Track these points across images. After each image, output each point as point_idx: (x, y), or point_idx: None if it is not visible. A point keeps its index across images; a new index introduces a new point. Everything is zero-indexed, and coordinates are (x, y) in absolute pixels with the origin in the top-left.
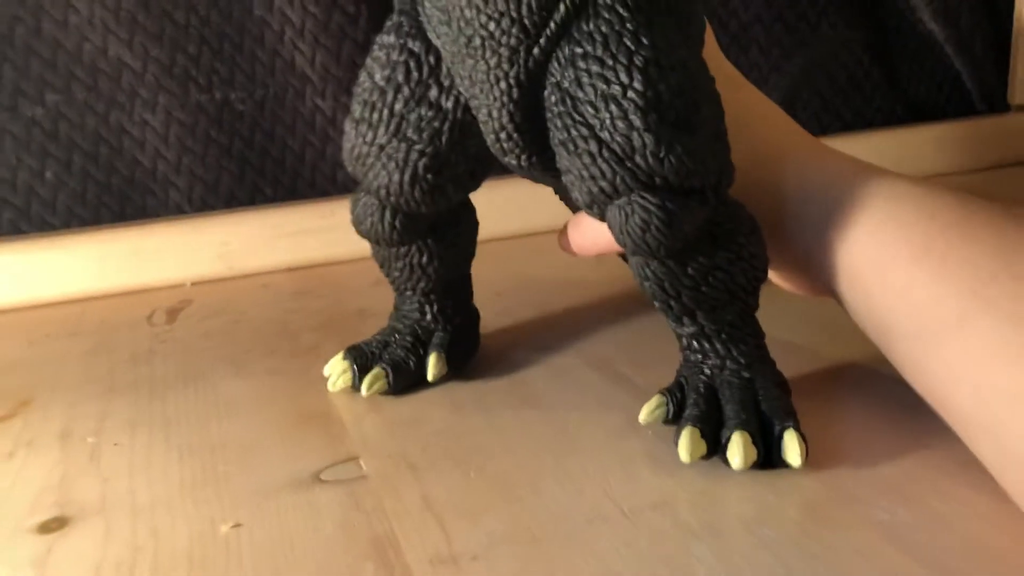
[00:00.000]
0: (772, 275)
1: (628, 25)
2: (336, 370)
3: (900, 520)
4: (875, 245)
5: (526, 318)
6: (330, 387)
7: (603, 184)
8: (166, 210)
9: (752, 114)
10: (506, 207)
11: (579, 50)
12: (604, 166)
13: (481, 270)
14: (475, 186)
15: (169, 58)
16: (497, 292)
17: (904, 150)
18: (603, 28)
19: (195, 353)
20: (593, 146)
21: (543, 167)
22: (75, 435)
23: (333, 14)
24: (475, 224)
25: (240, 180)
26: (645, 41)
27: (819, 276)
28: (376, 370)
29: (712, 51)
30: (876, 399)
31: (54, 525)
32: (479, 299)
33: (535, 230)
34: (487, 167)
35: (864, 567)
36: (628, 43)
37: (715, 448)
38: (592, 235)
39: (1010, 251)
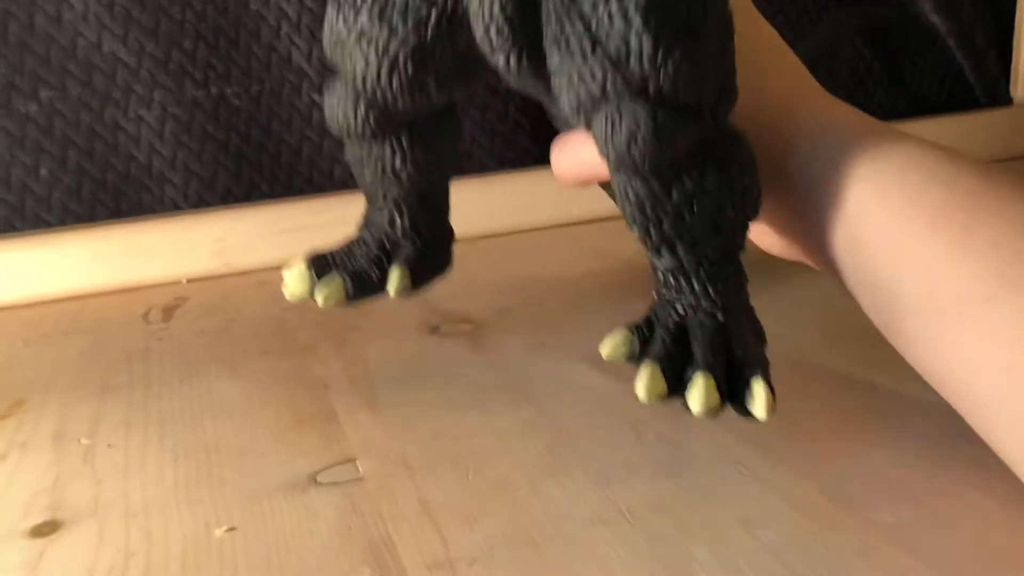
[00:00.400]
0: (763, 235)
1: None
2: (293, 277)
3: (904, 522)
4: (885, 210)
5: (525, 316)
6: (286, 294)
7: (593, 87)
8: (162, 206)
9: (767, 51)
10: (505, 203)
11: None
12: (596, 67)
13: (480, 267)
14: (460, 89)
15: (164, 53)
16: (497, 290)
17: None
18: None
19: (191, 352)
20: (587, 44)
21: (534, 70)
22: (69, 436)
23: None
24: (459, 133)
25: (236, 176)
26: None
27: (817, 238)
28: (335, 278)
29: None
30: (875, 399)
31: (46, 529)
32: (477, 295)
33: (536, 226)
34: (475, 69)
35: (867, 568)
36: None
37: (677, 388)
38: (576, 157)
39: None
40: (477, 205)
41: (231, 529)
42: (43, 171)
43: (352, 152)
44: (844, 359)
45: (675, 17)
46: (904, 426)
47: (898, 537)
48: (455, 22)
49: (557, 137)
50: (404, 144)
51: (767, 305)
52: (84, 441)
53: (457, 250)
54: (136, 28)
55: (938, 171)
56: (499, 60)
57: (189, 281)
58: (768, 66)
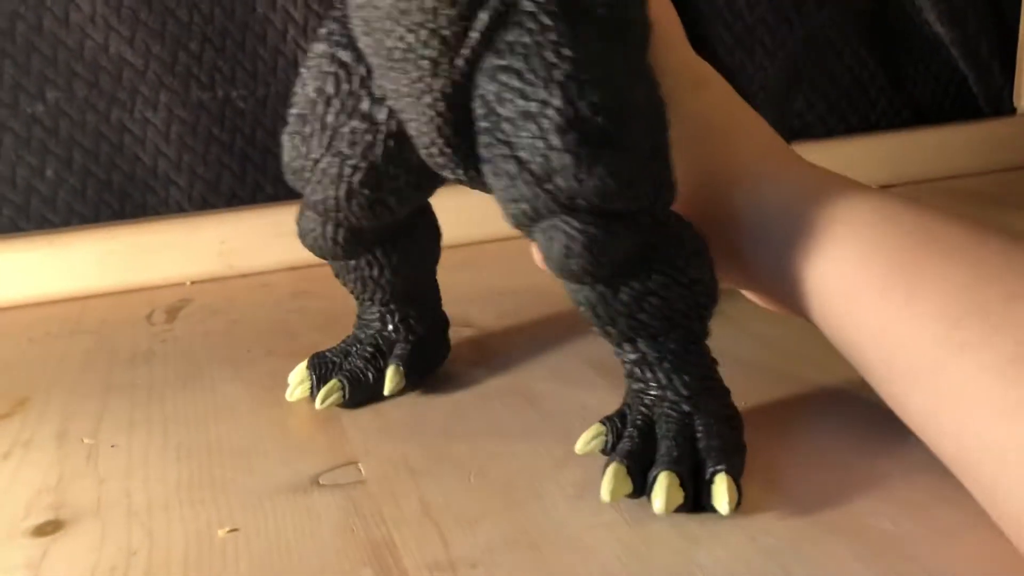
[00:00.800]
0: (746, 294)
1: (550, 35)
2: (295, 380)
3: (904, 529)
4: (840, 276)
5: (527, 319)
6: (288, 397)
7: (524, 207)
8: (166, 208)
9: (711, 123)
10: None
11: (501, 62)
12: (524, 187)
13: (484, 272)
14: (422, 197)
15: (171, 56)
16: (499, 292)
17: (909, 153)
18: (524, 39)
19: (194, 353)
20: (512, 166)
21: (482, 181)
22: (72, 435)
23: (334, 10)
24: (434, 229)
25: (241, 178)
26: (567, 53)
27: (789, 301)
28: (332, 382)
29: (675, 49)
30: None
31: (49, 528)
32: (480, 300)
33: None
34: (434, 177)
35: (867, 575)
36: (549, 55)
37: (642, 487)
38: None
39: (980, 279)
40: (480, 209)
41: (233, 530)
42: (48, 172)
43: (333, 266)
44: (842, 367)
45: (594, 131)
46: (905, 434)
47: (900, 545)
48: (402, 142)
49: None
50: (380, 256)
51: (760, 310)
52: (87, 440)
53: (461, 255)
54: (143, 30)
55: (887, 232)
56: (448, 175)
57: (193, 283)
58: (712, 136)
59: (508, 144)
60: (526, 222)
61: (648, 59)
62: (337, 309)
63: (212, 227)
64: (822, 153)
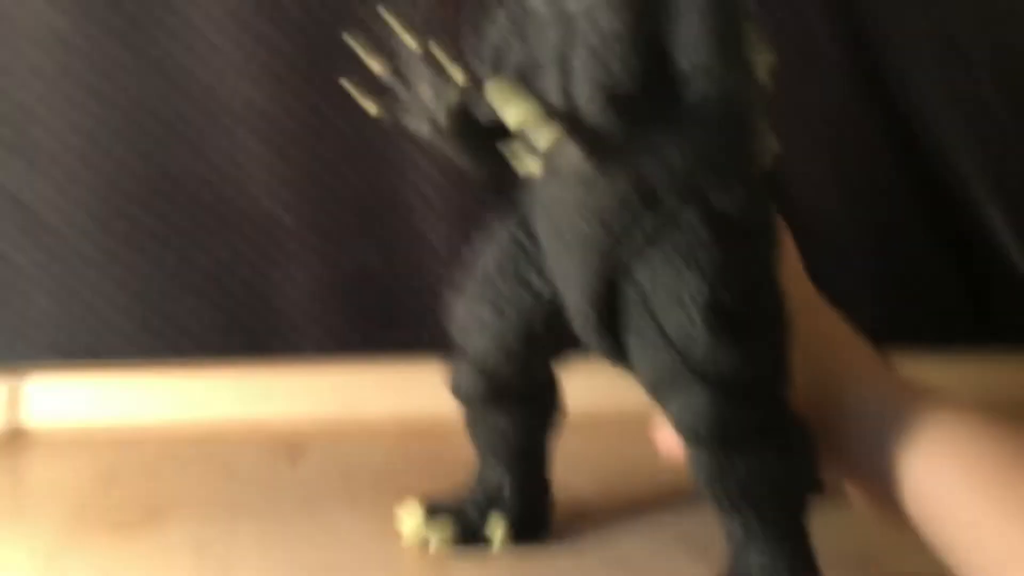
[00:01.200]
0: (850, 492)
1: (706, 239)
2: (408, 520)
3: None
4: (932, 475)
5: (625, 492)
6: (401, 531)
7: (663, 372)
8: (297, 351)
9: (823, 339)
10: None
11: (659, 254)
12: (665, 356)
13: (585, 441)
14: (562, 363)
15: (321, 222)
16: (601, 464)
17: (991, 375)
18: (683, 238)
19: (313, 488)
20: (658, 337)
21: (619, 353)
22: (206, 548)
23: (467, 197)
24: (559, 399)
25: (365, 336)
26: (719, 253)
27: (887, 500)
28: (442, 525)
29: (794, 274)
30: None
31: None
32: (582, 469)
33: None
34: (575, 347)
35: None
36: (702, 253)
37: None
38: (672, 440)
39: None
40: (594, 384)
41: None
42: (201, 312)
43: (468, 416)
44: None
45: (735, 318)
46: None
47: None
48: (557, 314)
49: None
50: (514, 413)
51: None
52: (218, 554)
53: (568, 423)
54: (303, 198)
55: (980, 437)
56: (592, 345)
57: (312, 424)
58: (824, 350)
59: (656, 319)
60: (662, 387)
61: (776, 263)
62: (449, 460)
63: (336, 372)
64: (906, 367)
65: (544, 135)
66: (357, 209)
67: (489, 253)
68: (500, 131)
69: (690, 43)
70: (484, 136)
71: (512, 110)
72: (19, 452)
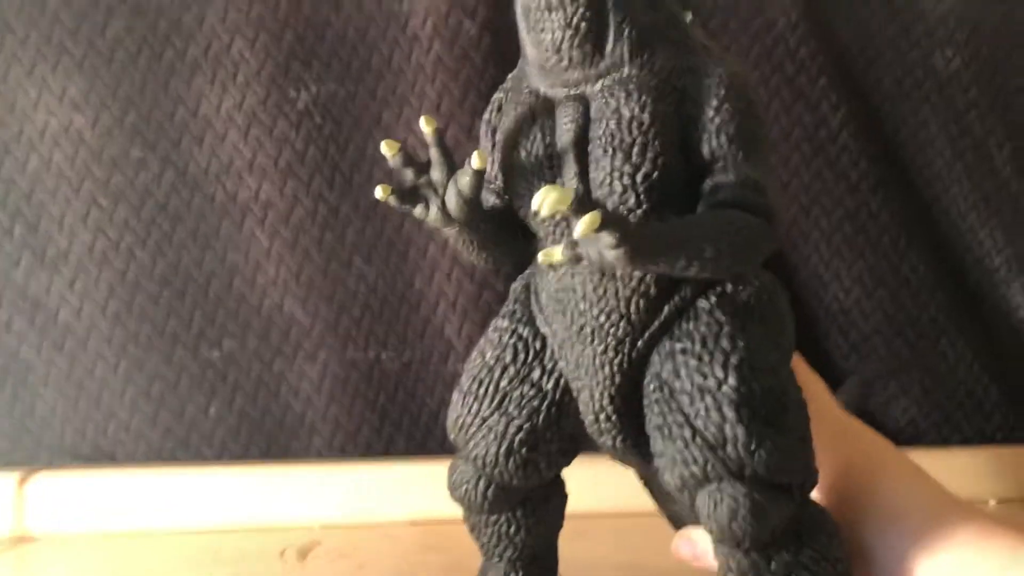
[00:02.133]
0: None
1: (725, 328)
2: None
3: None
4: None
5: None
6: None
7: (695, 469)
8: (307, 453)
9: (848, 428)
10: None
11: (679, 345)
12: (696, 452)
13: (592, 542)
14: (566, 463)
15: (335, 317)
16: (609, 565)
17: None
18: (702, 328)
19: None
20: (687, 433)
21: (635, 450)
22: None
23: (484, 291)
24: (564, 499)
25: (378, 432)
26: (740, 343)
27: None
28: None
29: (823, 406)
30: None
31: None
32: (590, 570)
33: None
34: (579, 447)
35: None
36: (724, 343)
37: None
38: (695, 548)
39: None
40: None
41: None
42: (212, 410)
43: (470, 519)
44: None
45: (763, 410)
46: None
47: None
48: (563, 410)
49: (683, 529)
50: (519, 516)
51: None
52: None
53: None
54: (315, 294)
55: (1000, 540)
56: (606, 442)
57: (322, 527)
58: (850, 438)
59: (683, 414)
60: (693, 484)
61: (791, 353)
62: (458, 564)
63: (345, 474)
64: (937, 461)
65: (581, 224)
66: (371, 304)
67: (489, 349)
68: (507, 220)
69: (711, 131)
70: (492, 224)
71: (547, 198)
72: (25, 555)
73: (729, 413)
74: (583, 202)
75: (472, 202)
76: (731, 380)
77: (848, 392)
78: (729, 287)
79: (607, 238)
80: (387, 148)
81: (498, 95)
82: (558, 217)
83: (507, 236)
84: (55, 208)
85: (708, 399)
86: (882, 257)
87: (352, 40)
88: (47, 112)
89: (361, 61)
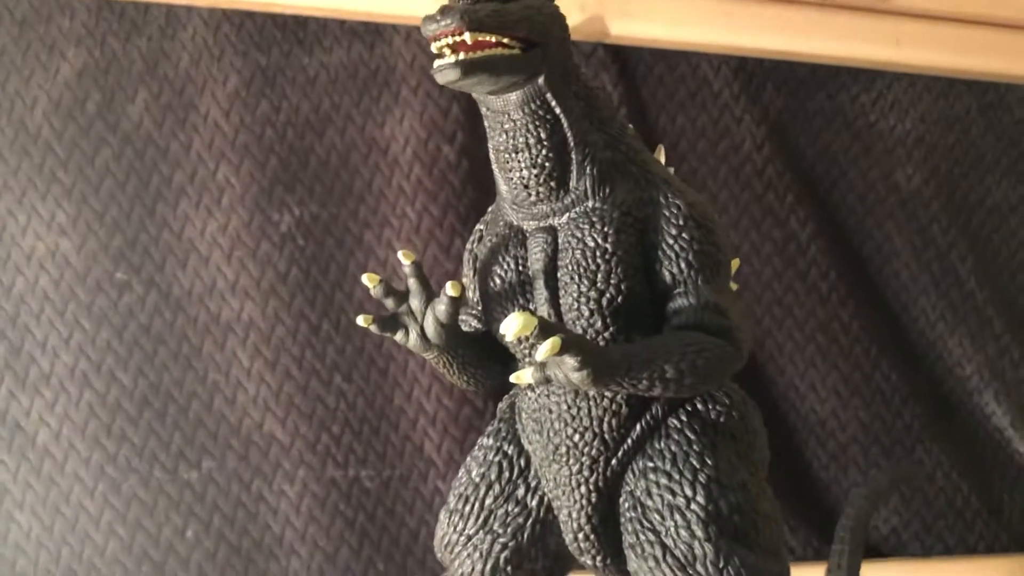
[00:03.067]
0: None
1: (695, 446)
2: None
3: None
4: None
5: None
6: None
7: None
8: (287, 573)
9: None
10: None
11: (651, 464)
12: (667, 570)
13: None
14: None
15: (315, 436)
16: None
17: None
18: (672, 447)
19: None
20: (658, 551)
21: (616, 568)
22: None
23: (463, 407)
24: None
25: (357, 553)
26: (709, 461)
27: None
28: None
29: None
30: None
31: None
32: None
33: None
34: (564, 567)
35: None
36: (694, 461)
37: None
38: None
39: None
40: None
41: None
42: (188, 533)
43: None
44: None
45: (731, 527)
46: None
47: None
48: (547, 528)
49: None
50: None
51: None
52: None
53: None
54: (295, 412)
55: None
56: (587, 561)
57: None
58: None
59: (655, 532)
60: None
61: (763, 467)
62: None
63: None
64: (922, 572)
65: (543, 348)
66: (351, 422)
67: (475, 467)
68: (488, 343)
69: (671, 257)
70: (473, 348)
71: (513, 324)
72: None
73: (698, 531)
74: (545, 328)
75: (449, 328)
76: (699, 498)
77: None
78: (699, 405)
79: (570, 360)
80: (369, 280)
81: (480, 226)
82: (526, 342)
83: (487, 358)
84: (39, 331)
85: (677, 517)
86: (855, 367)
87: (334, 165)
88: (35, 237)
89: (343, 185)
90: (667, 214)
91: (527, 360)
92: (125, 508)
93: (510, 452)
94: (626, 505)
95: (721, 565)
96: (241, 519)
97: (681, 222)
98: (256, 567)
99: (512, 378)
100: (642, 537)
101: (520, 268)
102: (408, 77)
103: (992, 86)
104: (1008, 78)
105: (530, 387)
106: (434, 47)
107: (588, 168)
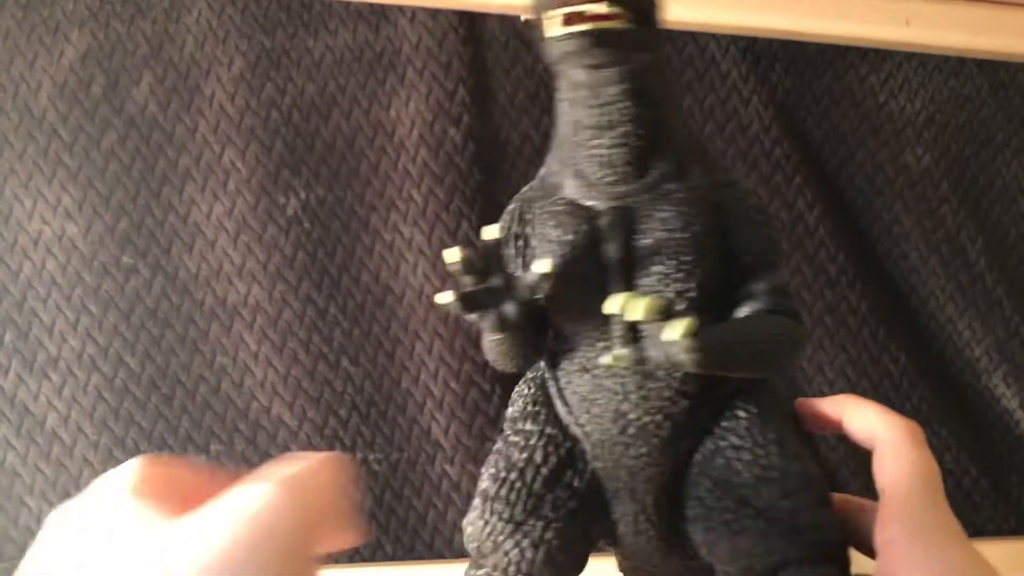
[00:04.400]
0: None
1: (765, 422)
2: None
3: None
4: None
5: None
6: None
7: (775, 558)
8: None
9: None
10: None
11: (725, 443)
12: (778, 541)
13: None
14: (583, 568)
15: (322, 420)
16: None
17: (1016, 561)
18: (744, 424)
19: None
20: (762, 524)
21: (667, 548)
22: None
23: (471, 390)
24: None
25: (367, 536)
26: (782, 434)
27: None
28: None
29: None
30: None
31: None
32: None
33: None
34: (590, 552)
35: None
36: (771, 435)
37: None
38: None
39: None
40: None
41: None
42: None
43: None
44: None
45: (820, 491)
46: None
47: None
48: (593, 512)
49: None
50: None
51: None
52: None
53: None
54: (303, 396)
55: None
56: (638, 540)
57: None
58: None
59: (751, 506)
60: (767, 573)
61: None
62: None
63: None
64: None
65: (676, 329)
66: (358, 406)
67: (516, 452)
68: (538, 325)
69: (744, 241)
70: (531, 330)
71: (634, 304)
72: None
73: (802, 498)
74: (668, 309)
75: (530, 307)
76: (794, 466)
77: None
78: (747, 384)
79: (687, 342)
80: (451, 256)
81: (516, 205)
82: (627, 322)
83: (536, 337)
84: (46, 315)
85: (775, 487)
86: (863, 349)
87: (340, 148)
88: (41, 221)
89: (349, 168)
90: (736, 198)
91: (588, 343)
92: None
93: (555, 435)
94: (703, 487)
95: (828, 527)
96: None
97: (748, 207)
98: None
99: (608, 359)
100: (739, 514)
101: (590, 248)
102: (414, 59)
103: (1003, 66)
104: (1019, 58)
105: (584, 369)
106: (553, 14)
107: (671, 149)
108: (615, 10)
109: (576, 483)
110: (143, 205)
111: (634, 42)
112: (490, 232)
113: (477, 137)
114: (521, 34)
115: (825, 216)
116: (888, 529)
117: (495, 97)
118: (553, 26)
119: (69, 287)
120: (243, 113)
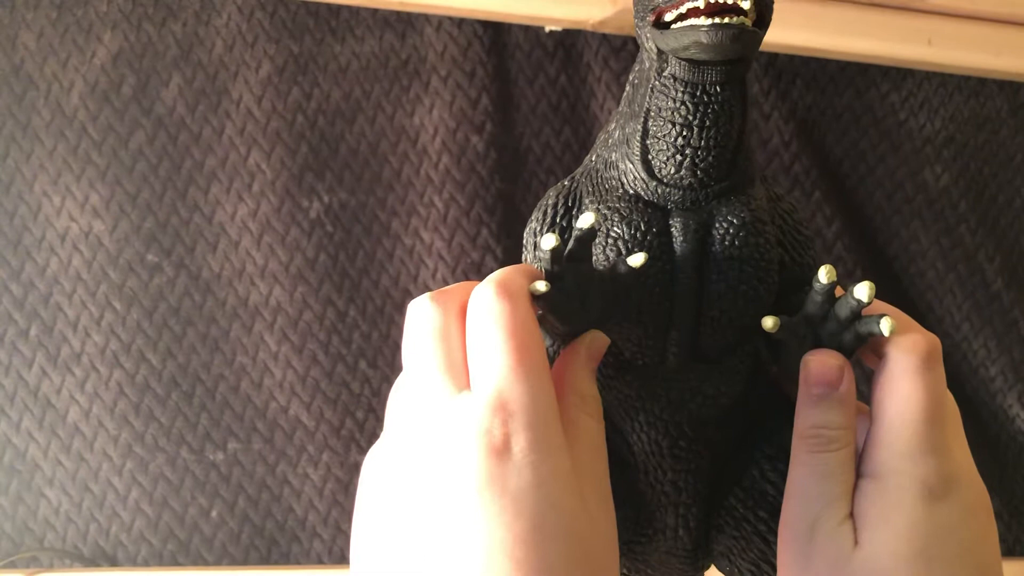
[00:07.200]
0: None
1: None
2: None
3: None
4: None
5: None
6: None
7: None
8: (308, 559)
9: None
10: None
11: (757, 452)
12: None
13: None
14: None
15: (339, 420)
16: None
17: None
18: (775, 431)
19: None
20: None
21: (693, 558)
22: None
23: None
24: None
25: None
26: None
27: None
28: None
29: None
30: None
31: None
32: None
33: None
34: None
35: None
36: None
37: None
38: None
39: None
40: None
41: None
42: (213, 514)
43: None
44: None
45: None
46: None
47: None
48: (638, 516)
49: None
50: None
51: None
52: None
53: None
54: (320, 397)
55: None
56: (670, 547)
57: None
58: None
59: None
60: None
61: None
62: None
63: None
64: None
65: (866, 290)
66: (375, 408)
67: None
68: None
69: (796, 251)
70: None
71: (863, 288)
72: None
73: None
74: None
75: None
76: None
77: None
78: (777, 391)
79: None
80: (548, 242)
81: (553, 199)
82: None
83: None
84: (71, 310)
85: None
86: None
87: (364, 153)
88: (69, 218)
89: (372, 173)
90: (786, 211)
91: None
92: (152, 487)
93: (618, 445)
94: (733, 496)
95: None
96: (265, 501)
97: (796, 220)
98: (279, 548)
99: (824, 274)
100: (772, 523)
101: (658, 246)
102: (438, 67)
103: (1023, 87)
104: None
105: (629, 374)
106: (692, 4)
107: (747, 157)
108: (754, 11)
109: (621, 490)
110: (169, 204)
111: (757, 45)
112: (585, 220)
113: (499, 145)
114: (544, 44)
115: (843, 232)
116: (864, 464)
117: (518, 106)
118: (688, 15)
119: (94, 283)
120: (269, 116)
